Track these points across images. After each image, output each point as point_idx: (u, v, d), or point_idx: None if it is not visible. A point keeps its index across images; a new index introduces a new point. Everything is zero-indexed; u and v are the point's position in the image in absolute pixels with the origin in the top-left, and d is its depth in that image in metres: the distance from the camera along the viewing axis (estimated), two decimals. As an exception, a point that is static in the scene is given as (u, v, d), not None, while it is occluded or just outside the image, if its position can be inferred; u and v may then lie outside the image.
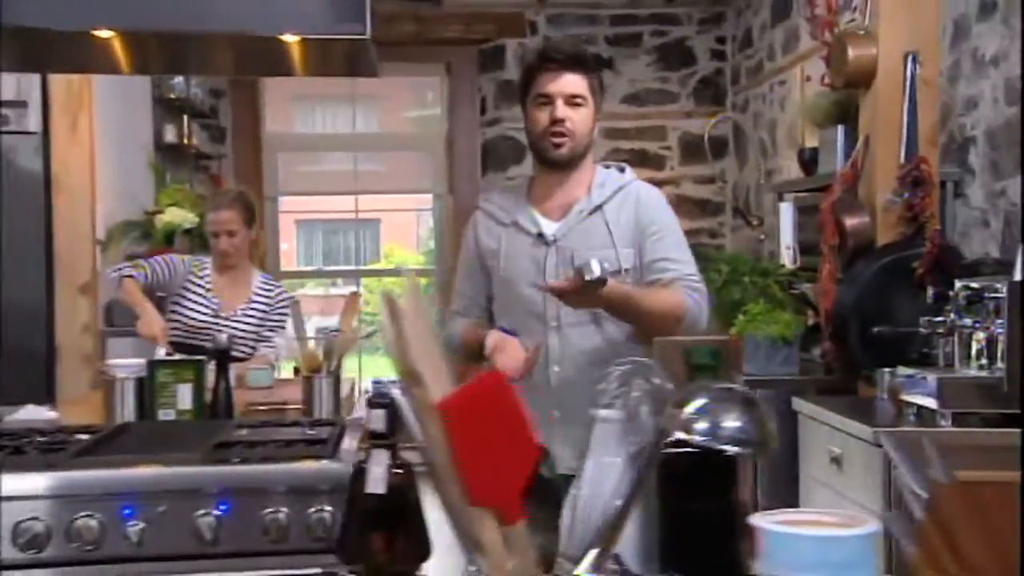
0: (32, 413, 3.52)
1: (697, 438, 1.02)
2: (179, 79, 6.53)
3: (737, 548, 1.16)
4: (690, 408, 1.03)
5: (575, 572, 0.98)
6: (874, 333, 3.45)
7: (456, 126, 7.76)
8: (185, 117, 6.69)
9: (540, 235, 2.87)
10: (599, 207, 2.86)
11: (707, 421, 1.03)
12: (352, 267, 9.17)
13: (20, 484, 2.49)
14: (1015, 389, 2.94)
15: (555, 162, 2.85)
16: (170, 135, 6.53)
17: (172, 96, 6.48)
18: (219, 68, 3.26)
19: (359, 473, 1.15)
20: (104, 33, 2.88)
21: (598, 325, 2.82)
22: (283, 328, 4.36)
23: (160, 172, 6.20)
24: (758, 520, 1.06)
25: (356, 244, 14.16)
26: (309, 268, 9.74)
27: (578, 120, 2.79)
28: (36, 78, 4.76)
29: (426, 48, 7.56)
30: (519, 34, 7.57)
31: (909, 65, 3.82)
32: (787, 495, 3.71)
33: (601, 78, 2.94)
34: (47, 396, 4.54)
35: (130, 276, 4.13)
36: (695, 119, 7.49)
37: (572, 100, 2.78)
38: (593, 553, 0.94)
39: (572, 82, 2.79)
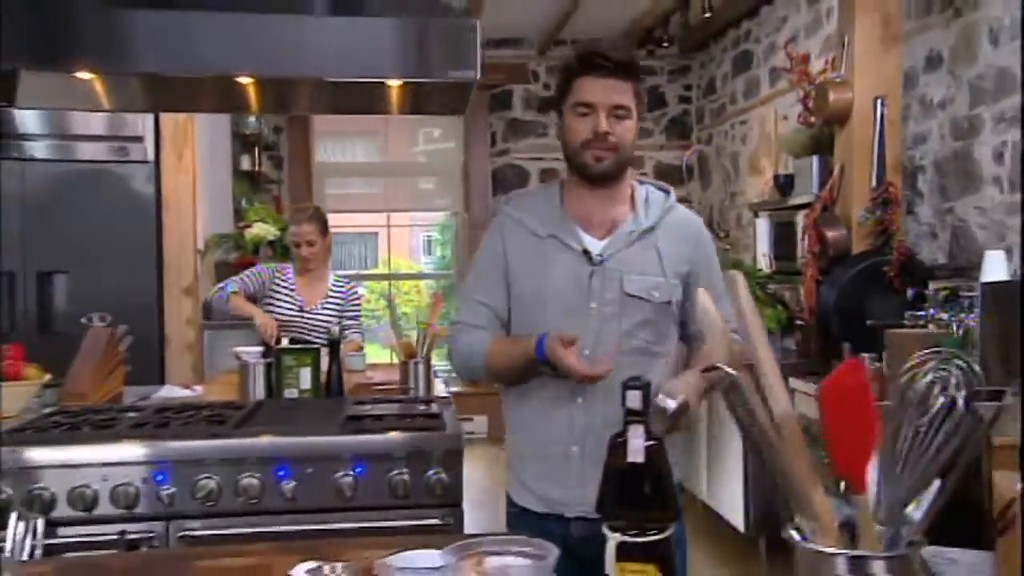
0: (170, 391, 3.49)
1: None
2: (252, 118, 6.50)
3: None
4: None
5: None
6: (867, 325, 3.44)
7: (470, 156, 7.80)
8: (256, 149, 6.66)
9: (585, 252, 2.10)
10: (650, 230, 2.13)
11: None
12: (387, 271, 9.13)
13: (194, 450, 2.49)
14: (987, 371, 2.96)
15: (596, 178, 2.12)
16: (245, 164, 6.53)
17: (247, 132, 6.46)
18: (322, 107, 3.19)
19: (615, 446, 1.13)
20: (244, 79, 2.85)
21: (637, 359, 2.06)
22: (358, 317, 4.34)
23: (247, 193, 6.17)
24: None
25: (359, 253, 14.08)
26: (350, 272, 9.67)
27: (622, 132, 2.07)
28: (150, 117, 4.74)
29: (446, 92, 7.55)
30: (523, 81, 7.67)
31: (878, 107, 3.83)
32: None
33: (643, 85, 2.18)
34: (159, 378, 4.53)
35: (235, 292, 4.12)
36: (666, 151, 7.66)
37: (616, 111, 2.05)
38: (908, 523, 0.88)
39: (618, 91, 2.05)
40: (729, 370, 0.90)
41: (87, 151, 4.70)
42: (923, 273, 3.66)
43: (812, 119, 4.18)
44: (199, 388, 3.50)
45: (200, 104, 3.33)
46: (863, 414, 0.79)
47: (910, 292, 3.36)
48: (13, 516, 2.33)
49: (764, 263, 4.91)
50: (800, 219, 4.40)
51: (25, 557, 2.28)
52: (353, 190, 8.58)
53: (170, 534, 2.46)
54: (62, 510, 2.39)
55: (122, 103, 3.07)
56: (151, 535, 2.43)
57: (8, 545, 2.31)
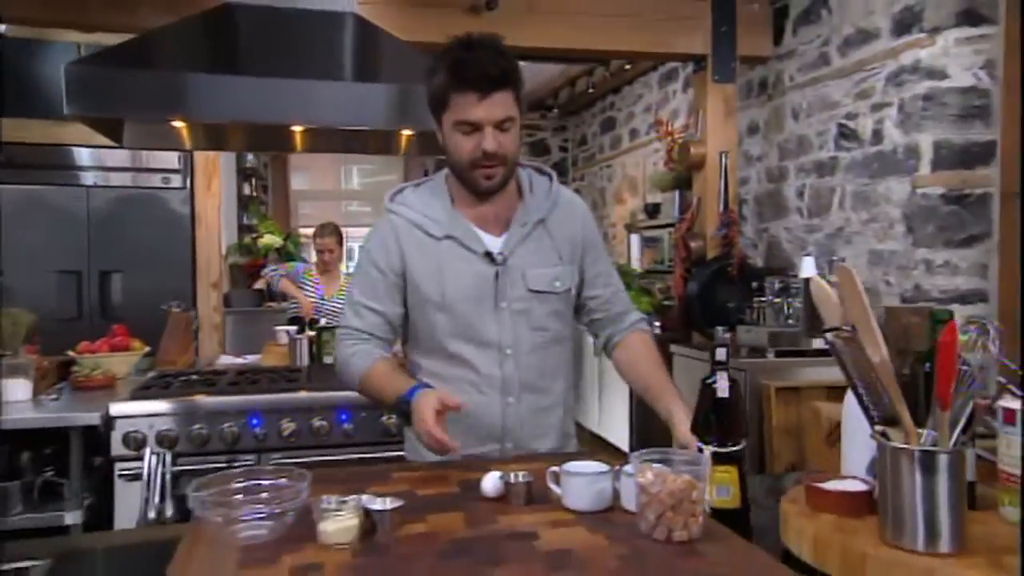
0: (227, 359, 3.38)
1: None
2: (250, 155, 6.28)
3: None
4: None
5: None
6: (728, 307, 3.56)
7: (408, 187, 7.70)
8: (253, 179, 6.43)
9: (487, 254, 1.53)
10: (542, 221, 1.57)
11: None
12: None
13: (278, 401, 2.48)
14: (808, 337, 3.18)
15: (486, 193, 1.51)
16: (246, 190, 6.28)
17: (246, 165, 6.24)
18: (348, 148, 3.13)
19: (706, 387, 1.19)
20: (295, 127, 2.80)
21: (551, 348, 1.58)
22: None
23: (256, 212, 5.96)
24: None
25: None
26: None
27: (508, 143, 1.45)
28: (186, 154, 4.56)
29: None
30: (447, 133, 7.57)
31: (722, 159, 3.98)
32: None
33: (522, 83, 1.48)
34: (194, 351, 4.37)
35: (284, 276, 4.09)
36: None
37: (501, 124, 1.43)
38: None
39: (500, 105, 1.41)
40: (844, 327, 0.95)
41: (139, 180, 4.54)
42: (752, 272, 3.81)
43: (674, 165, 4.32)
44: (250, 357, 3.39)
45: (257, 145, 3.24)
46: (951, 359, 0.88)
47: (755, 284, 3.50)
48: (147, 450, 2.26)
49: (636, 265, 5.06)
50: (665, 235, 4.55)
51: (157, 481, 2.21)
52: (318, 211, 8.40)
53: (261, 464, 2.42)
54: (183, 446, 2.35)
55: (199, 144, 2.96)
56: (248, 464, 2.39)
57: (145, 472, 2.23)
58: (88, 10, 3.31)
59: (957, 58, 3.13)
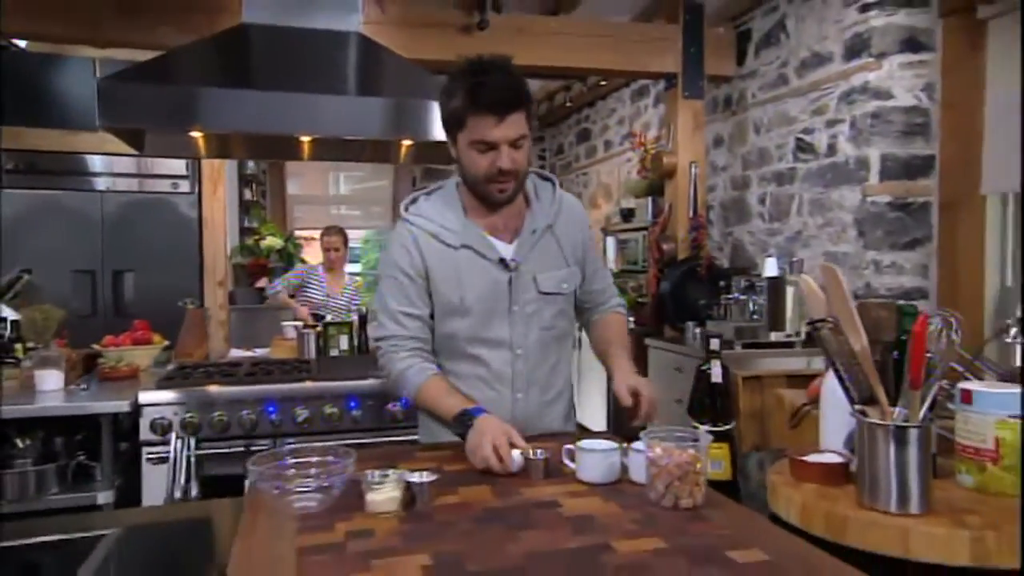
0: (237, 352, 3.38)
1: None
2: (251, 163, 6.24)
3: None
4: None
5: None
6: (698, 304, 3.63)
7: (397, 191, 7.72)
8: (253, 184, 6.39)
9: (501, 260, 1.51)
10: (550, 227, 1.57)
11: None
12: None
13: (292, 390, 2.49)
14: (770, 331, 3.25)
15: (499, 204, 1.49)
16: (247, 195, 6.24)
17: (247, 172, 6.20)
18: (351, 157, 3.14)
19: (701, 372, 1.25)
20: (303, 137, 2.81)
21: (553, 345, 1.59)
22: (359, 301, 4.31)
23: (260, 215, 5.93)
24: None
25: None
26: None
27: (521, 158, 1.43)
28: (193, 160, 4.54)
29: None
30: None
31: (692, 168, 4.06)
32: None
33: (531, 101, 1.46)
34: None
35: (278, 292, 4.12)
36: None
37: (516, 143, 1.40)
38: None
39: (515, 125, 1.39)
40: (830, 319, 1.00)
41: (150, 185, 4.51)
42: (719, 272, 3.89)
43: (648, 174, 4.38)
44: (259, 350, 3.40)
45: (266, 153, 3.22)
46: (920, 345, 0.95)
47: (722, 283, 3.57)
48: (173, 435, 2.28)
49: (612, 265, 5.11)
50: (639, 237, 4.60)
51: (183, 464, 2.23)
52: (310, 214, 8.36)
53: (276, 448, 2.44)
54: (205, 432, 2.36)
55: (213, 152, 2.96)
56: (264, 449, 2.40)
57: (171, 455, 2.25)
58: (108, 28, 3.30)
59: (901, 80, 3.24)
